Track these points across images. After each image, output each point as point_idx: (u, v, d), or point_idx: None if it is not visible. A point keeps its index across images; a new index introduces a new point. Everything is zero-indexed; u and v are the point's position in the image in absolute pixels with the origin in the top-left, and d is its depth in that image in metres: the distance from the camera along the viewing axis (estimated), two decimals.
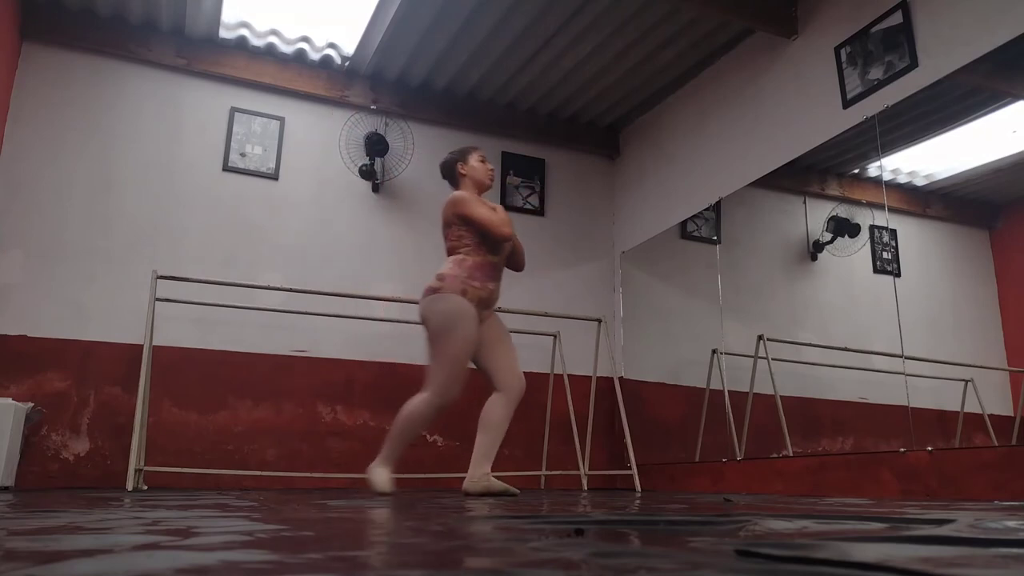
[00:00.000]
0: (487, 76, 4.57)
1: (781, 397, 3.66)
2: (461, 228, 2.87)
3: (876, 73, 3.29)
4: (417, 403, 2.73)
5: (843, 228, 3.70)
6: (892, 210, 3.43)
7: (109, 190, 3.97)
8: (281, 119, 4.42)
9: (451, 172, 3.07)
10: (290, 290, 3.88)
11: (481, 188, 3.01)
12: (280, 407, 4.03)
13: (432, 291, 2.79)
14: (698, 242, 4.56)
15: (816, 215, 3.85)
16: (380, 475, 2.71)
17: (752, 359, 3.89)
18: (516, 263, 3.03)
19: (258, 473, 3.80)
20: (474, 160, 3.03)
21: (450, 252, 2.91)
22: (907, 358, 3.11)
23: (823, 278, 3.90)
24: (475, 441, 2.80)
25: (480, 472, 2.72)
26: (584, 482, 4.16)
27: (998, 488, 2.51)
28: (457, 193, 2.94)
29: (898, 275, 3.47)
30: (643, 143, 5.03)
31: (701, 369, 4.25)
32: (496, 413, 2.80)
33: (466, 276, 2.79)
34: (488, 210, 2.86)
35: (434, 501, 2.11)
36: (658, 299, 4.88)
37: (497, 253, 2.89)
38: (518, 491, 2.75)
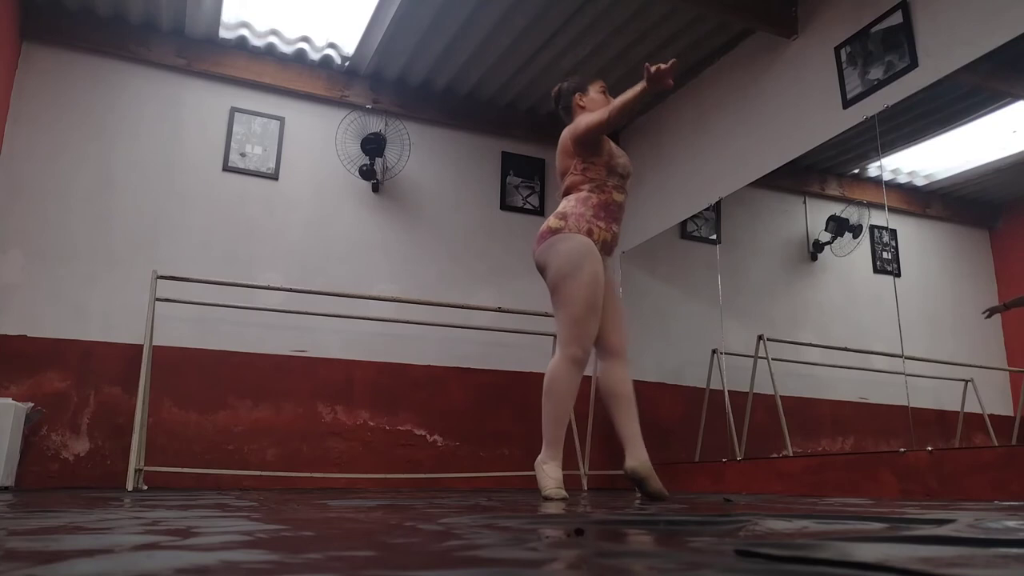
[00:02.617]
0: (487, 76, 4.57)
1: (781, 397, 3.66)
2: (585, 161, 2.56)
3: (876, 73, 3.29)
4: (552, 368, 2.46)
5: (843, 227, 3.70)
6: (892, 210, 3.43)
7: (109, 190, 3.97)
8: (281, 119, 4.42)
9: (567, 104, 2.75)
10: (290, 290, 3.88)
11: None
12: (280, 407, 4.03)
13: (551, 232, 2.49)
14: (698, 242, 4.56)
15: (816, 215, 3.85)
16: (549, 474, 2.43)
17: (752, 359, 3.89)
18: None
19: (258, 473, 3.80)
20: (595, 92, 2.71)
21: (568, 191, 2.60)
22: (907, 358, 3.11)
23: (823, 278, 3.90)
24: (616, 421, 2.52)
25: (644, 454, 2.47)
26: (584, 482, 4.16)
27: (998, 488, 2.51)
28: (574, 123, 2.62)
29: (898, 275, 3.47)
30: (643, 143, 5.03)
31: (701, 369, 4.25)
32: (623, 383, 2.53)
33: (591, 215, 2.49)
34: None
35: (432, 501, 2.11)
36: (658, 299, 4.88)
37: (622, 193, 2.61)
38: (667, 494, 2.48)
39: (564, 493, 2.42)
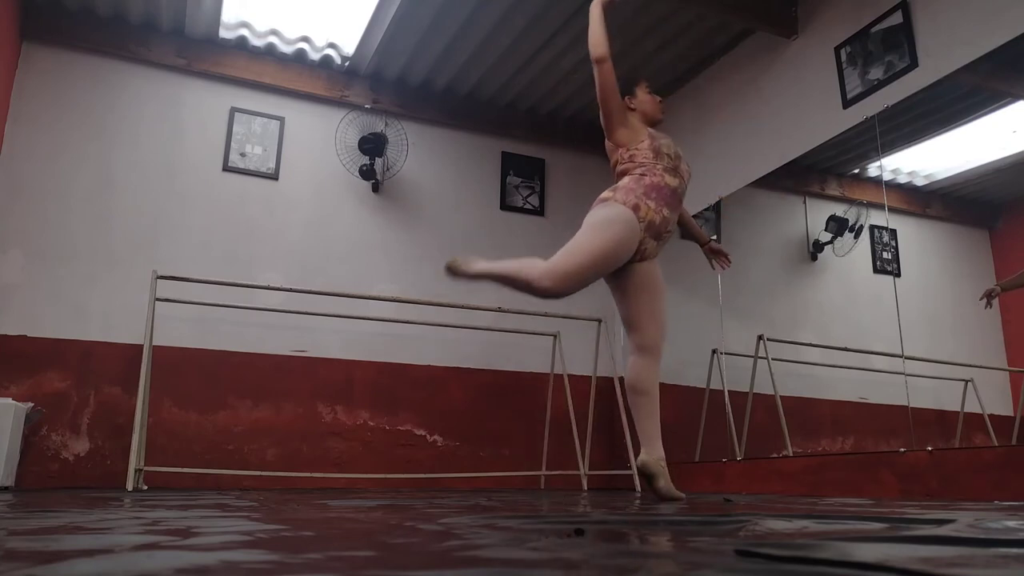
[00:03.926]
0: (487, 76, 4.57)
1: (781, 397, 3.66)
2: (629, 150, 2.57)
3: (876, 73, 3.29)
4: (531, 268, 2.39)
5: (843, 227, 3.70)
6: (892, 210, 3.43)
7: (109, 190, 3.97)
8: (281, 119, 4.42)
9: None
10: (290, 290, 3.88)
11: (653, 122, 2.70)
12: (280, 407, 4.03)
13: (601, 201, 2.50)
14: None
15: (816, 215, 3.85)
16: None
17: (752, 359, 3.89)
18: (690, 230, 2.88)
19: (258, 473, 3.80)
20: (642, 92, 2.72)
21: (621, 176, 2.59)
22: (907, 358, 3.11)
23: (823, 278, 3.90)
24: (635, 416, 2.52)
25: (660, 452, 2.46)
26: (584, 482, 4.16)
27: (998, 488, 2.51)
28: None
29: (898, 275, 3.47)
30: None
31: (701, 369, 4.25)
32: (649, 378, 2.49)
33: (642, 192, 2.46)
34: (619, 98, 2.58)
35: (432, 501, 2.11)
36: None
37: (675, 177, 2.57)
38: (683, 496, 2.47)
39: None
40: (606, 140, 2.66)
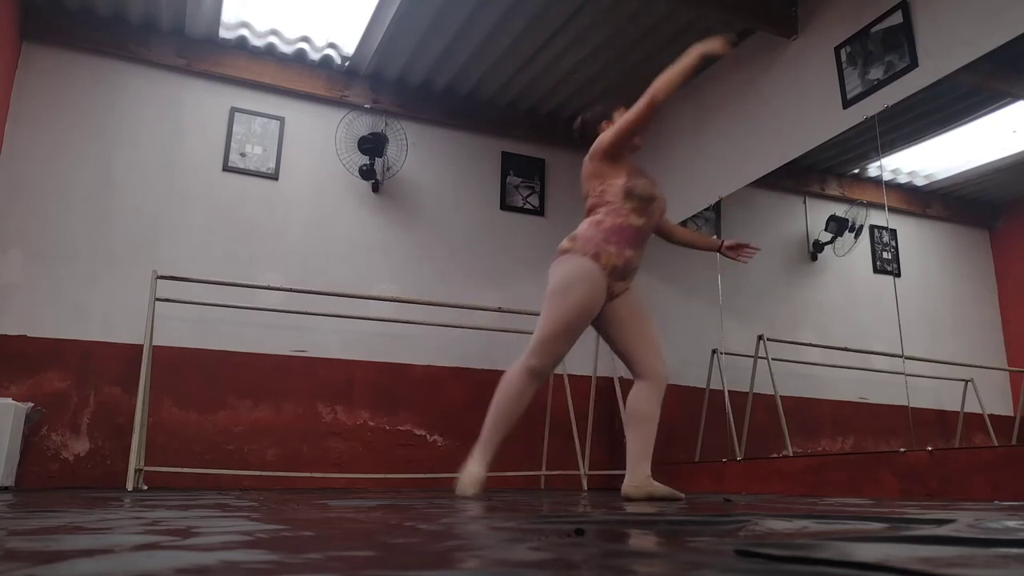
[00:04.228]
0: (487, 76, 4.57)
1: (781, 397, 3.66)
2: (604, 184, 2.53)
3: (876, 73, 3.29)
4: (509, 372, 2.45)
5: (843, 227, 3.70)
6: (892, 210, 3.43)
7: (109, 190, 3.97)
8: (281, 119, 4.42)
9: (595, 134, 2.69)
10: (290, 290, 3.88)
11: (632, 149, 2.63)
12: (280, 407, 4.03)
13: (560, 252, 2.49)
14: None
15: (816, 215, 3.85)
16: (467, 474, 2.40)
17: (752, 359, 3.89)
18: (672, 234, 2.81)
19: (258, 473, 3.80)
20: (619, 117, 2.65)
21: (588, 212, 2.56)
22: (907, 358, 3.11)
23: (823, 278, 3.90)
24: (627, 439, 2.50)
25: (642, 475, 2.44)
26: (584, 482, 4.16)
27: (998, 488, 2.51)
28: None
29: (898, 275, 3.47)
30: (643, 143, 5.02)
31: (701, 369, 4.25)
32: (643, 406, 2.48)
33: (601, 239, 2.44)
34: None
35: (432, 501, 2.11)
36: (658, 299, 4.87)
37: (641, 217, 2.52)
38: (683, 495, 2.46)
39: (477, 489, 2.39)
40: (586, 162, 2.60)
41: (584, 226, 2.52)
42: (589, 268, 2.41)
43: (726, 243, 2.86)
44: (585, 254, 2.43)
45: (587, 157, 2.60)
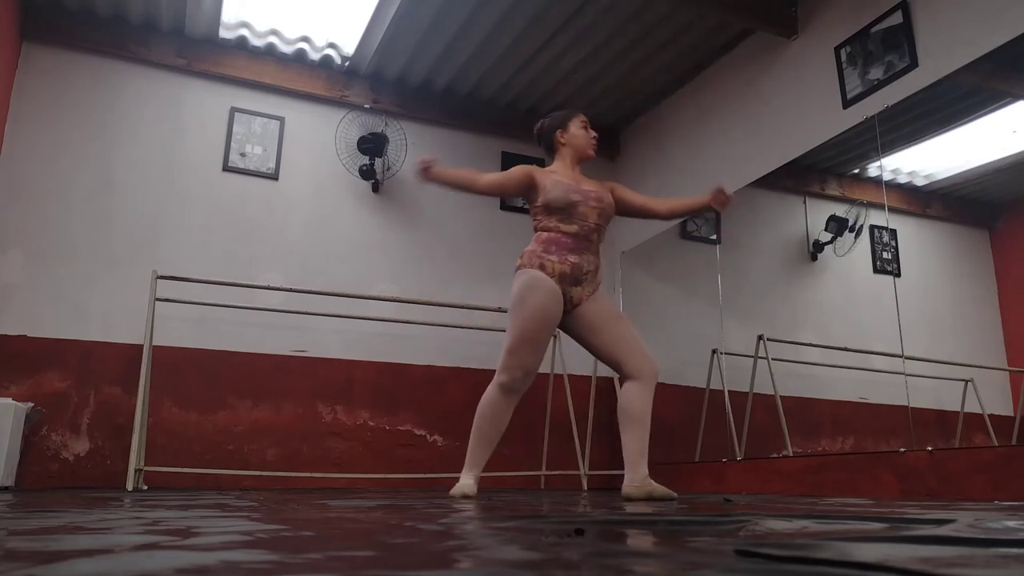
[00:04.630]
0: (487, 76, 4.57)
1: (781, 397, 3.66)
2: (533, 205, 2.67)
3: (876, 73, 3.29)
4: (485, 393, 2.54)
5: (843, 227, 3.70)
6: (892, 210, 3.43)
7: (109, 190, 3.97)
8: (281, 119, 4.42)
9: (549, 141, 2.80)
10: (290, 290, 3.88)
11: (582, 158, 2.74)
12: (280, 407, 4.03)
13: (515, 270, 2.62)
14: (698, 242, 4.57)
15: (816, 215, 3.85)
16: (459, 487, 2.49)
17: (752, 359, 3.89)
18: (653, 211, 2.80)
19: (258, 473, 3.80)
20: (575, 127, 2.75)
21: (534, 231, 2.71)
22: (907, 358, 3.11)
23: (823, 278, 3.90)
24: (622, 440, 2.53)
25: (640, 475, 2.47)
26: (584, 482, 4.16)
27: (998, 488, 2.51)
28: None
29: (898, 275, 3.47)
30: (643, 143, 5.03)
31: (701, 369, 4.25)
32: (635, 404, 2.51)
33: (541, 251, 2.56)
34: (520, 175, 2.65)
35: (432, 501, 2.11)
36: (658, 299, 4.88)
37: (571, 223, 2.59)
38: (675, 495, 2.48)
39: (469, 492, 2.47)
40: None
41: (530, 243, 2.65)
42: (538, 277, 2.52)
43: (712, 195, 2.72)
44: (531, 266, 2.55)
45: None
